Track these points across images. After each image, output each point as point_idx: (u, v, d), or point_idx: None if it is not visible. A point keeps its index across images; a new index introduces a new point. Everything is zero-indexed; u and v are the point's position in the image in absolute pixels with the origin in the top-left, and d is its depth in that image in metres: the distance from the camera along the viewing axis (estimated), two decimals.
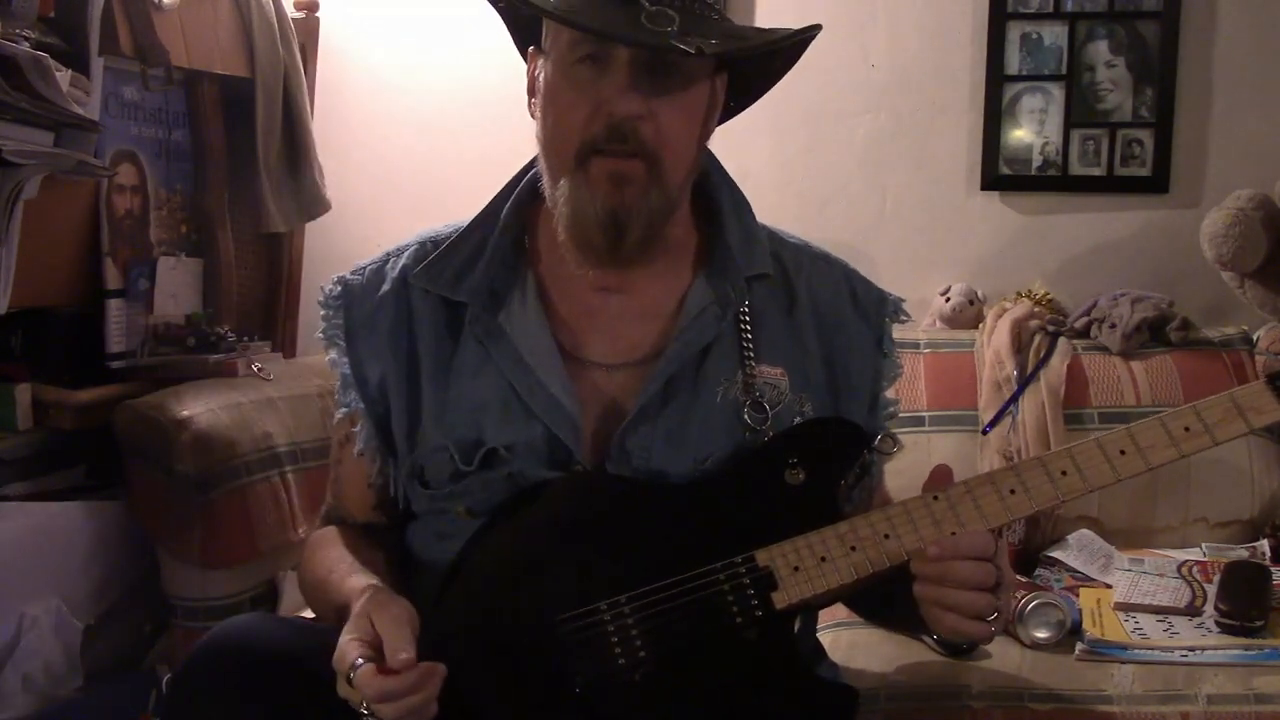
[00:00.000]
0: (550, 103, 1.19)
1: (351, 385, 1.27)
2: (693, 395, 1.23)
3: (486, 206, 1.30)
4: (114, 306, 1.85)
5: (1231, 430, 1.14)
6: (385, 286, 1.28)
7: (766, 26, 1.27)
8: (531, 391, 1.21)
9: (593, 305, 1.26)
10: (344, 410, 1.29)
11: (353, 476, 1.32)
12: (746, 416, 1.22)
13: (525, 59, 1.28)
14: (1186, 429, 1.14)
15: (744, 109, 1.35)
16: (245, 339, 2.06)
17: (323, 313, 1.30)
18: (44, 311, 1.81)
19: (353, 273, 1.31)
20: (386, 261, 1.31)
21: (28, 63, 1.53)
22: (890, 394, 1.34)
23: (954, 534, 1.12)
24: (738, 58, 1.21)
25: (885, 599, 1.25)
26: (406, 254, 1.30)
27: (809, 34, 1.21)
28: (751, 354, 1.25)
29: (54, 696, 1.70)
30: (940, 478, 1.15)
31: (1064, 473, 1.14)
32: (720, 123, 1.33)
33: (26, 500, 1.72)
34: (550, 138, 1.20)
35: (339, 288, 1.30)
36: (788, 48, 1.25)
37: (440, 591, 1.16)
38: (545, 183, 1.22)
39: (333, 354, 1.29)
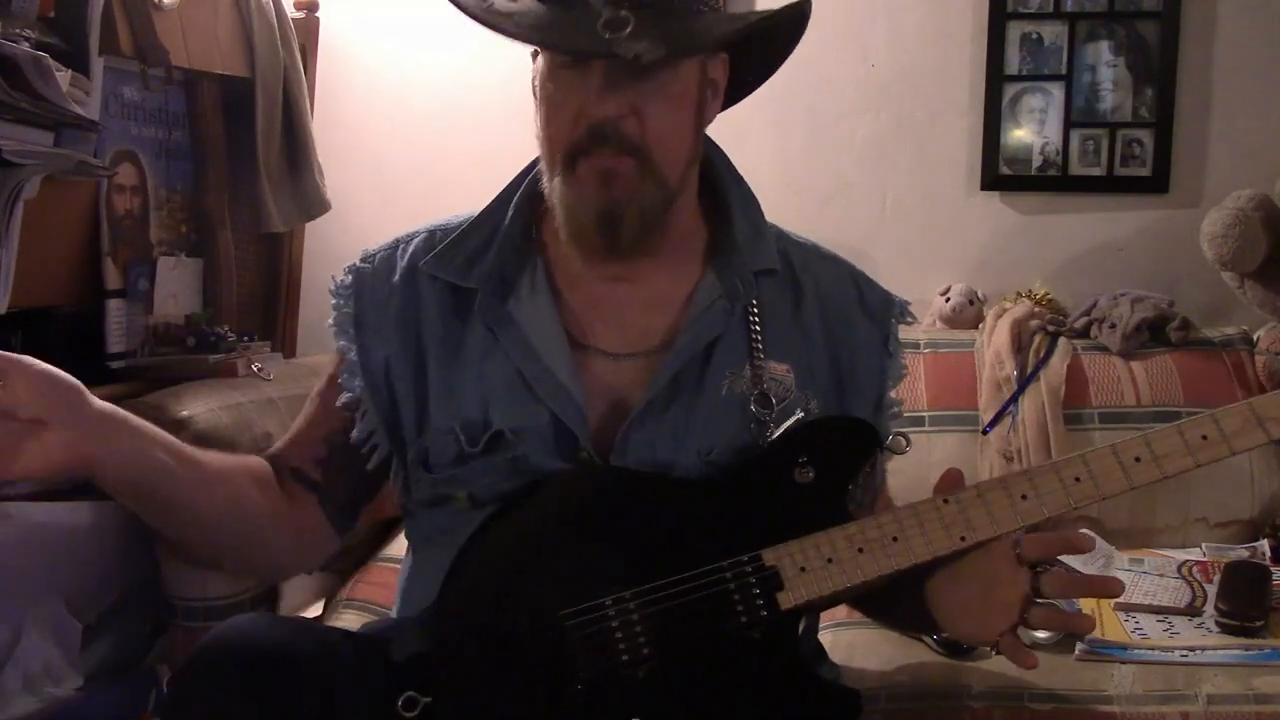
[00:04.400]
0: (540, 106, 1.21)
1: (357, 372, 1.28)
2: (699, 388, 1.23)
3: (496, 197, 1.32)
4: (114, 306, 1.85)
5: (1250, 440, 1.11)
6: (396, 275, 1.29)
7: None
8: (538, 377, 1.22)
9: (600, 295, 1.26)
10: (348, 395, 1.28)
11: (315, 419, 1.32)
12: (753, 410, 1.22)
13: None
14: (1204, 437, 1.11)
15: (756, 87, 1.34)
16: (245, 339, 2.05)
17: (334, 301, 1.31)
18: (44, 311, 1.80)
19: (363, 260, 1.33)
20: (396, 249, 1.32)
21: (28, 63, 1.52)
22: (894, 395, 1.34)
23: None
24: (680, 57, 1.17)
25: (890, 597, 1.24)
26: (416, 241, 1.32)
27: (790, 18, 1.22)
28: (761, 349, 1.25)
29: (54, 696, 1.69)
30: (951, 481, 1.15)
31: (1078, 479, 1.12)
32: (732, 103, 1.32)
33: (26, 500, 1.72)
34: (542, 139, 1.22)
35: (350, 276, 1.32)
36: (785, 27, 1.25)
37: (443, 586, 1.15)
38: (544, 180, 1.24)
39: (341, 341, 1.30)
